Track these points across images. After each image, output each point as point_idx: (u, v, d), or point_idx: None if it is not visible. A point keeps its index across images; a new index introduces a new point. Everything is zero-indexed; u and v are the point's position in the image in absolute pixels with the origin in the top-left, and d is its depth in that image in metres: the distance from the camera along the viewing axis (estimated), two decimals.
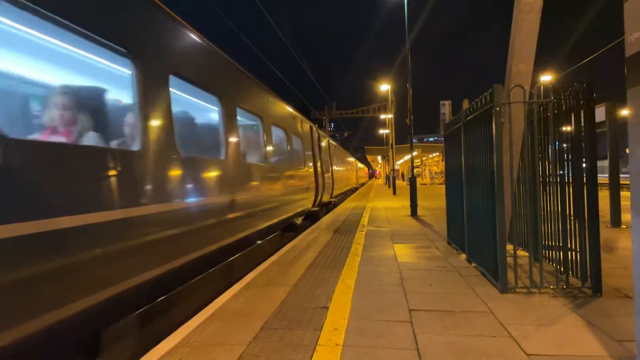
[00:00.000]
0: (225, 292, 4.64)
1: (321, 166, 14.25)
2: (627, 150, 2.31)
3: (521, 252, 5.64)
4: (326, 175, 15.37)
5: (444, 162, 8.99)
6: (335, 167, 19.34)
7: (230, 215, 5.58)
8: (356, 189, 36.65)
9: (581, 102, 4.37)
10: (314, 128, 14.04)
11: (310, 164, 12.55)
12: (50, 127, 3.08)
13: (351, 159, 35.30)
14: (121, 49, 3.40)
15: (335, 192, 18.65)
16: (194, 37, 4.91)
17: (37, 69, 3.29)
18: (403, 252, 6.85)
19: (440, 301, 4.19)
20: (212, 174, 5.13)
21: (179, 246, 4.11)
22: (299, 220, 10.42)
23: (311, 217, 12.44)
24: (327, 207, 16.33)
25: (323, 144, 16.12)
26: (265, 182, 7.38)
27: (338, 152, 23.26)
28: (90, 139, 3.16)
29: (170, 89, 4.10)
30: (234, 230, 5.68)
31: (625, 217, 8.89)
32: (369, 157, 74.87)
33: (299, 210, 10.35)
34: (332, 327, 3.49)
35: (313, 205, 12.65)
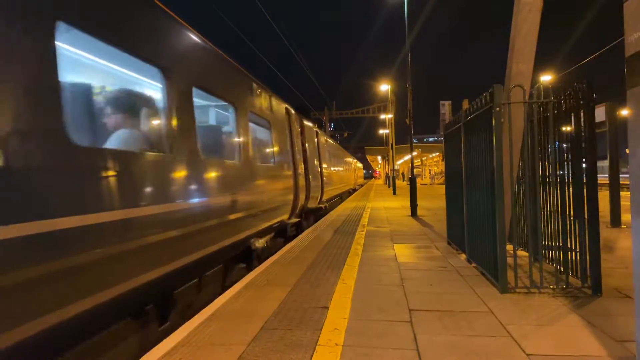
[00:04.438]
0: (225, 292, 4.64)
1: None
2: (627, 150, 2.31)
3: (521, 252, 5.64)
4: None
5: (444, 162, 8.99)
6: None
7: None
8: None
9: (581, 102, 4.37)
10: None
11: None
12: None
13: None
14: None
15: None
16: None
17: None
18: (403, 252, 6.85)
19: (440, 301, 4.19)
20: None
21: None
22: None
23: None
24: None
25: None
26: None
27: None
28: None
29: None
30: None
31: (625, 217, 8.88)
32: (369, 157, 74.91)
33: None
34: (332, 327, 3.49)
35: None
